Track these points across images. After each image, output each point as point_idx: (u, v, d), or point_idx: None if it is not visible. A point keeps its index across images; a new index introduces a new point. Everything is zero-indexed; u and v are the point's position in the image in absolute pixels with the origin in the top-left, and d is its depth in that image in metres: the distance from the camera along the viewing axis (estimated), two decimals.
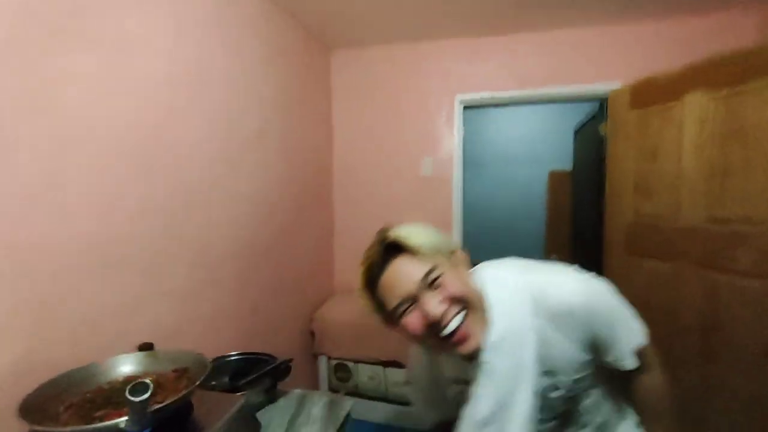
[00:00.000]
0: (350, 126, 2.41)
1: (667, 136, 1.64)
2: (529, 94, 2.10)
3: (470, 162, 3.10)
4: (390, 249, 0.67)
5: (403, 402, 1.85)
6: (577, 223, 2.79)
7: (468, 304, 0.66)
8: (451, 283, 0.65)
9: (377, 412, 1.90)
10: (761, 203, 1.32)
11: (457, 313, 0.64)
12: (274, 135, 1.79)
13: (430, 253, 0.66)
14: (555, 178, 3.37)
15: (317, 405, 1.14)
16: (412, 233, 0.67)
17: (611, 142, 1.95)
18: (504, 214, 3.69)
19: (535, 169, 3.50)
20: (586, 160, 2.44)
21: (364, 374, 1.91)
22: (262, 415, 1.06)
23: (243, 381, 1.09)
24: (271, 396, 1.14)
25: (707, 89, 1.48)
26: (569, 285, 0.68)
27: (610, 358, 0.71)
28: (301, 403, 1.15)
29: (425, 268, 0.65)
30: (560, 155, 3.35)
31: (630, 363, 0.71)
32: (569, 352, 0.69)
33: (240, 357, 1.26)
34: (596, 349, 0.70)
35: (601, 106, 2.05)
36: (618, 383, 0.79)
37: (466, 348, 0.65)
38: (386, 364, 1.86)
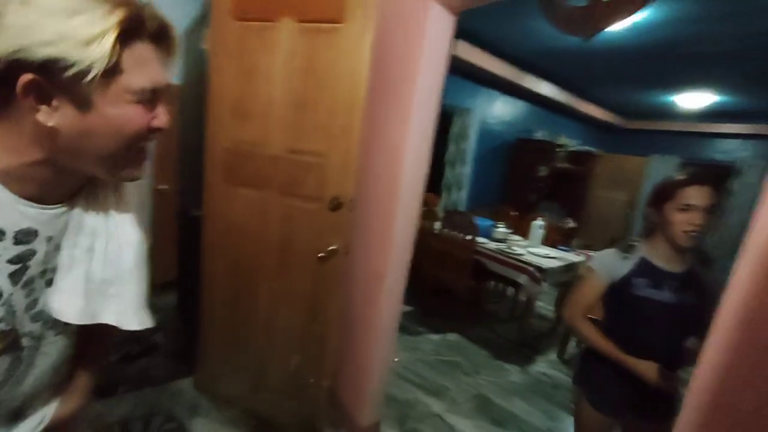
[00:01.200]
0: None
1: (263, 60, 1.54)
2: None
3: None
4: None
5: None
6: (185, 148, 2.46)
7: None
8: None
9: None
10: (323, 139, 1.49)
11: None
12: None
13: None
14: None
15: None
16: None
17: (213, 53, 1.67)
18: None
19: None
20: (196, 72, 2.09)
21: None
22: None
23: None
24: None
25: (298, 19, 1.46)
26: None
27: None
28: None
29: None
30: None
31: None
32: None
33: None
34: None
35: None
36: None
37: (143, 172, 0.59)
38: None
